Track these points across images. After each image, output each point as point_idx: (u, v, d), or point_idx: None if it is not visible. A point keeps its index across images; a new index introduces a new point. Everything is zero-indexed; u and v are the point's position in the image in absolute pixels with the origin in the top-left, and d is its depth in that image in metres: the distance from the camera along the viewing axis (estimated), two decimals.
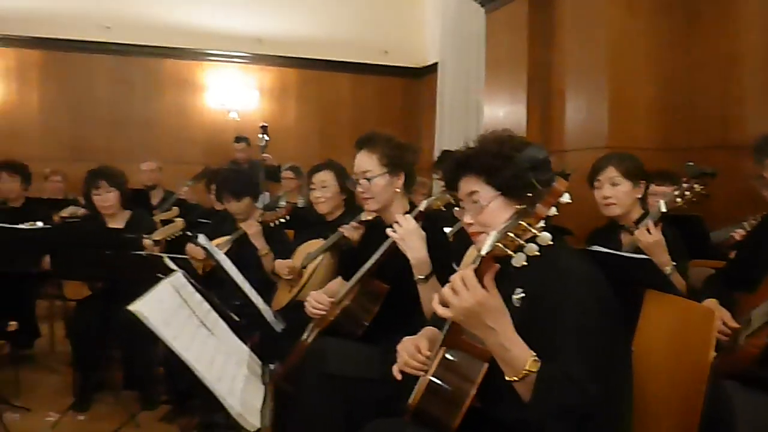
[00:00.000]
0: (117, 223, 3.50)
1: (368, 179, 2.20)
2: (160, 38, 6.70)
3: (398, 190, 2.23)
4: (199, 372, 1.41)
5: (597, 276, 1.42)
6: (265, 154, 5.61)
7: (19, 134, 6.37)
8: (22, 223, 3.40)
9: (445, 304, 1.26)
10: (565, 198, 1.21)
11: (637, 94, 3.74)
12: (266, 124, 5.51)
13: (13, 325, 3.47)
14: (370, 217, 2.53)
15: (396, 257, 2.05)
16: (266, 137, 5.43)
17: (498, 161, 1.48)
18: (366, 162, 2.23)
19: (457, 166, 1.58)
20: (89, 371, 3.32)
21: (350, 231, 2.72)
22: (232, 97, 7.03)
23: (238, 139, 6.39)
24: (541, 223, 1.20)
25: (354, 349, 2.08)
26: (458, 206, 1.61)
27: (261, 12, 7.04)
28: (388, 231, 2.03)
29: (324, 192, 3.04)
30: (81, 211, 4.12)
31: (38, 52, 6.50)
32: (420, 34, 7.62)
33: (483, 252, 1.23)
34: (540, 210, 1.20)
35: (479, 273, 1.22)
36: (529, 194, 1.26)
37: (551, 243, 1.20)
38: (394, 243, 2.02)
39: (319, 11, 7.28)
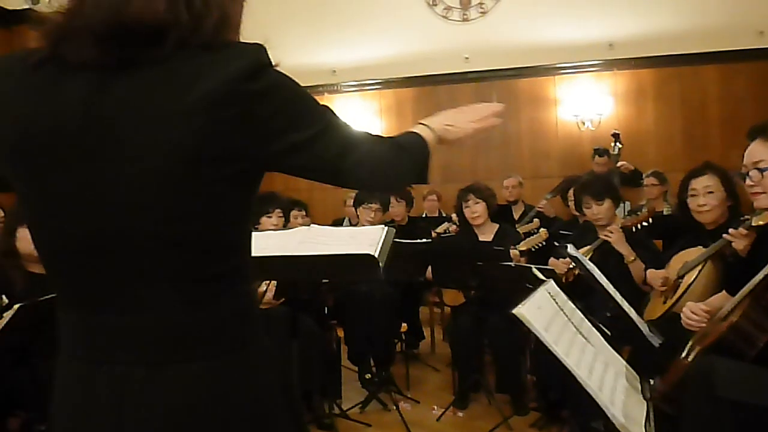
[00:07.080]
0: (486, 236, 3.78)
1: (761, 170, 1.95)
2: (513, 60, 6.98)
3: None
4: (581, 378, 1.43)
5: None
6: (621, 162, 5.38)
7: None
8: (408, 239, 3.94)
9: None
10: None
11: None
12: (618, 132, 5.28)
13: (404, 326, 4.01)
14: (762, 222, 2.21)
15: None
16: (619, 145, 5.21)
17: None
18: (762, 151, 1.96)
19: None
20: (466, 372, 3.62)
21: (738, 238, 2.33)
22: (585, 107, 6.93)
23: (599, 152, 5.98)
24: None
25: (750, 372, 1.83)
26: None
27: (612, 16, 6.79)
28: None
29: (710, 199, 2.67)
30: (453, 227, 4.57)
31: (411, 89, 7.41)
32: None
33: None
34: None
35: None
36: None
37: None
38: None
39: (676, 2, 6.71)
